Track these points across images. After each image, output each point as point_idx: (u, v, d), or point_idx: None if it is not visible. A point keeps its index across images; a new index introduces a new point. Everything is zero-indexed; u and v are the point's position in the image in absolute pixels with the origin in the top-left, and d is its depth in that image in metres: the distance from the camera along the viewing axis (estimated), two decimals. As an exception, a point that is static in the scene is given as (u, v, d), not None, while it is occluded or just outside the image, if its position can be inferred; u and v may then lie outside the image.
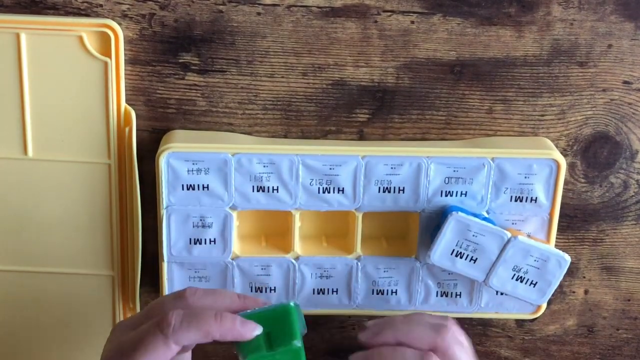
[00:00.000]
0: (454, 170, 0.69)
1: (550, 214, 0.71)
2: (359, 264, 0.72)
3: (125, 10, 0.66)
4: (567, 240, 0.75)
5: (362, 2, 0.67)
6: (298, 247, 0.71)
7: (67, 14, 0.66)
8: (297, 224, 0.70)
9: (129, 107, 0.68)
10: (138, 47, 0.67)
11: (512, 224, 0.71)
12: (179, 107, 0.70)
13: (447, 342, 0.61)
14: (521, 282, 0.69)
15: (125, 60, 0.67)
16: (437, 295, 0.73)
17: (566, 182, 0.72)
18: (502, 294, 0.72)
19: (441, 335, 0.61)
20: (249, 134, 0.71)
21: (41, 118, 0.67)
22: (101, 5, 0.66)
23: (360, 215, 0.70)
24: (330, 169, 0.68)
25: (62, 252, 0.71)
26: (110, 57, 0.66)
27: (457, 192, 0.69)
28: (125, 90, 0.68)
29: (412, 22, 0.68)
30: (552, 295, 0.71)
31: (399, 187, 0.69)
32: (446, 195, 0.69)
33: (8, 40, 0.65)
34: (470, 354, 0.63)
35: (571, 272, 0.76)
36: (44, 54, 0.66)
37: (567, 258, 0.69)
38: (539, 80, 0.70)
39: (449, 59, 0.69)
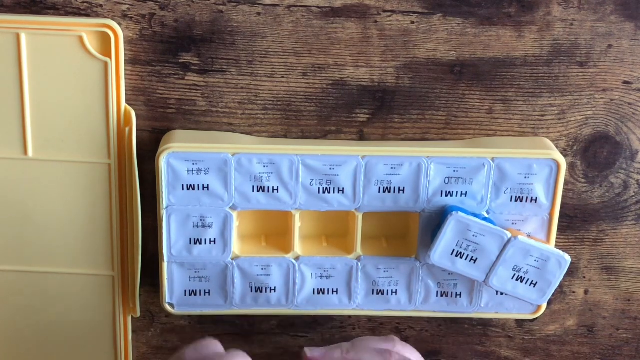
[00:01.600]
0: (454, 170, 0.69)
1: (550, 214, 0.71)
2: (359, 264, 0.72)
3: (125, 10, 0.66)
4: (567, 240, 0.75)
5: (362, 2, 0.67)
6: (298, 247, 0.71)
7: (67, 14, 0.66)
8: (297, 224, 0.70)
9: (129, 107, 0.68)
10: (138, 47, 0.67)
11: (512, 224, 0.71)
12: (179, 107, 0.70)
13: None
14: (521, 282, 0.69)
15: (125, 60, 0.67)
16: (437, 295, 0.73)
17: (566, 182, 0.72)
18: (502, 294, 0.72)
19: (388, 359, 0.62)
20: (249, 134, 0.71)
21: (41, 118, 0.67)
22: (101, 5, 0.66)
23: (360, 215, 0.70)
24: (330, 169, 0.68)
25: (62, 252, 0.71)
26: (110, 57, 0.66)
27: (457, 192, 0.69)
28: (125, 90, 0.68)
29: (412, 22, 0.68)
30: (552, 295, 0.71)
31: (399, 187, 0.69)
32: (446, 195, 0.69)
33: (8, 40, 0.65)
34: None
35: (571, 272, 0.76)
36: (44, 54, 0.66)
37: (567, 258, 0.69)
38: (539, 80, 0.70)
39: (449, 59, 0.69)
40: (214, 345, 0.61)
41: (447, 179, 0.69)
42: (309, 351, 0.64)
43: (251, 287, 0.72)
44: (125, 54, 0.67)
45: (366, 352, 0.63)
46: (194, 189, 0.68)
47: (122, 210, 0.70)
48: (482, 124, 0.71)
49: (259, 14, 0.67)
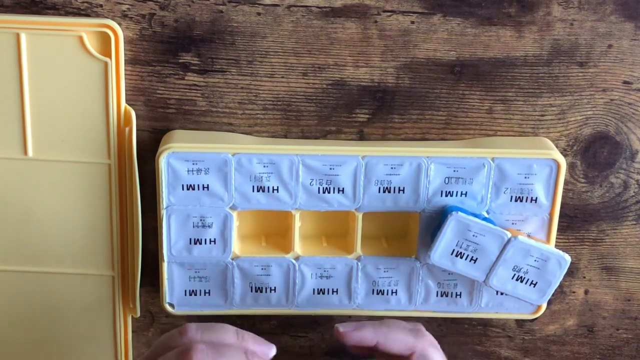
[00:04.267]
0: (454, 170, 0.69)
1: (550, 214, 0.71)
2: (359, 264, 0.72)
3: (125, 10, 0.66)
4: (567, 240, 0.75)
5: (362, 2, 0.67)
6: (298, 247, 0.71)
7: (67, 14, 0.66)
8: (297, 224, 0.70)
9: (129, 107, 0.68)
10: (138, 47, 0.67)
11: (512, 224, 0.71)
12: (179, 107, 0.70)
13: (425, 345, 0.64)
14: (521, 282, 0.69)
15: (125, 60, 0.67)
16: (437, 295, 0.73)
17: (566, 182, 0.72)
18: (502, 294, 0.72)
19: (419, 338, 0.64)
20: (249, 134, 0.71)
21: (41, 118, 0.67)
22: (101, 5, 0.66)
23: (360, 215, 0.70)
24: (330, 169, 0.68)
25: (62, 252, 0.71)
26: (110, 57, 0.66)
27: (457, 192, 0.69)
28: (125, 90, 0.68)
29: (412, 22, 0.68)
30: (552, 295, 0.71)
31: (399, 187, 0.69)
32: (446, 195, 0.69)
33: (8, 40, 0.65)
34: (444, 357, 0.65)
35: (571, 272, 0.76)
36: (44, 54, 0.66)
37: (567, 258, 0.69)
38: (539, 80, 0.70)
39: (449, 59, 0.69)
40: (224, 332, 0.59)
41: (447, 179, 0.69)
42: (341, 327, 0.65)
43: (251, 287, 0.72)
44: (125, 54, 0.67)
45: (398, 329, 0.65)
46: (194, 189, 0.68)
47: (122, 210, 0.70)
48: (482, 124, 0.71)
49: (259, 14, 0.67)
